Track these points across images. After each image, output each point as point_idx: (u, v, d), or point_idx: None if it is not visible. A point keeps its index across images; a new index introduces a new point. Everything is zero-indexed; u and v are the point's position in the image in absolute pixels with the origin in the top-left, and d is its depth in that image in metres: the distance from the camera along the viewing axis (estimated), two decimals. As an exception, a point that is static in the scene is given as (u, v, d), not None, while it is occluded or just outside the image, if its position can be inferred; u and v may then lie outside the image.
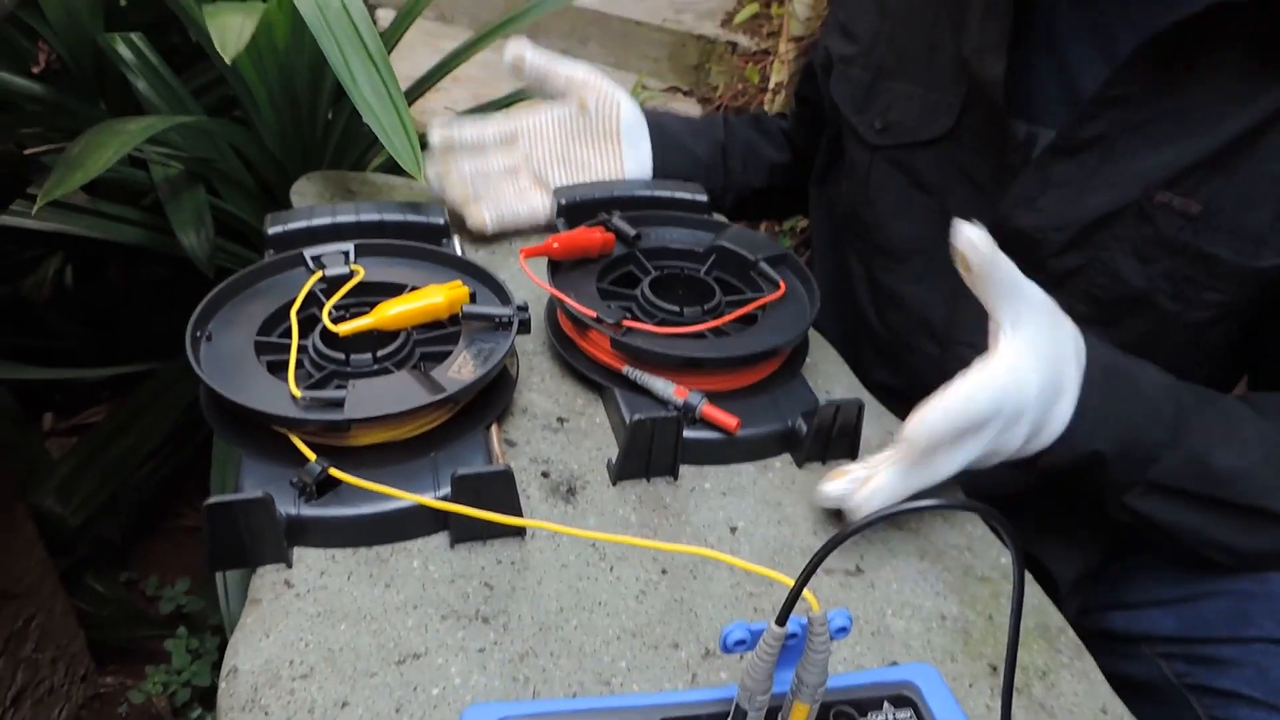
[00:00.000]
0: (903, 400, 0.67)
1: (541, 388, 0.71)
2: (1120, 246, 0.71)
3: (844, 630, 0.43)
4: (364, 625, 0.52)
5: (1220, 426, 0.65)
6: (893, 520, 0.63)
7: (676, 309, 0.72)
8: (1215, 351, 0.75)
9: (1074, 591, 0.82)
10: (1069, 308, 0.74)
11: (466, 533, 0.57)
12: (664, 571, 0.57)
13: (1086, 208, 0.71)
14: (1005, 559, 0.62)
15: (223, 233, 1.18)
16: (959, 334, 0.82)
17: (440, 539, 0.57)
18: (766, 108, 2.10)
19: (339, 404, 0.57)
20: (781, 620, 0.38)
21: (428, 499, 0.55)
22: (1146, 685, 0.71)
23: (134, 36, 1.16)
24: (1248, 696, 0.64)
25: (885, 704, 0.44)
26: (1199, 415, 0.65)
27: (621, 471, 0.63)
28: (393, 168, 1.14)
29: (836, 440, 0.67)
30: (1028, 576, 0.62)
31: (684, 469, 0.64)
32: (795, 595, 0.38)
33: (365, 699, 0.48)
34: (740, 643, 0.40)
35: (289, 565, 0.54)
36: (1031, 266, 0.74)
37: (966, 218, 0.80)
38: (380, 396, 0.58)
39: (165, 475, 1.29)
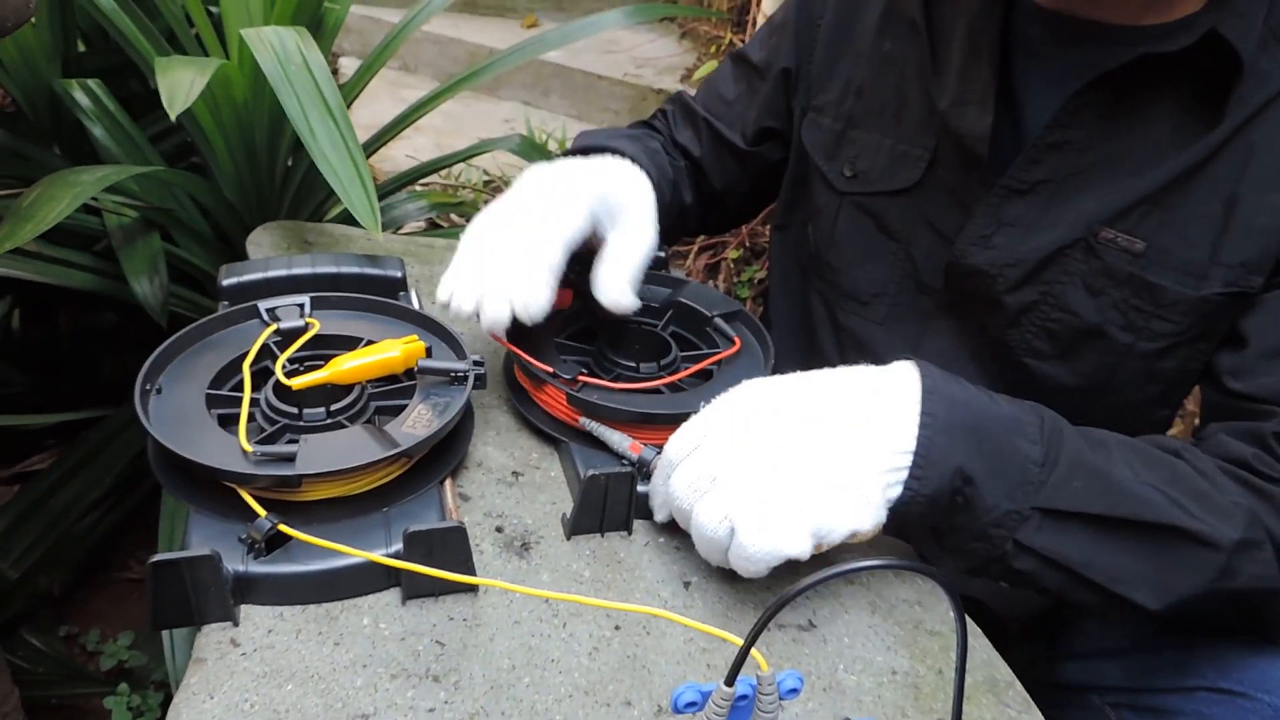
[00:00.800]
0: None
1: (497, 441, 0.71)
2: (1071, 280, 0.74)
3: (795, 691, 0.43)
4: (311, 685, 0.51)
5: (1089, 440, 0.62)
6: (845, 577, 0.64)
7: (633, 364, 0.72)
8: (1168, 383, 0.77)
9: (1024, 637, 0.83)
10: (1027, 345, 0.77)
11: (418, 589, 0.56)
12: (617, 628, 0.57)
13: (1037, 245, 0.74)
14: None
15: (177, 279, 1.17)
16: None
17: (392, 595, 0.57)
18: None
19: (290, 459, 0.57)
20: (730, 681, 0.38)
21: (379, 556, 0.55)
22: None
23: (91, 83, 1.15)
24: None
25: None
26: (1066, 428, 0.62)
27: (576, 527, 0.63)
28: (351, 219, 1.15)
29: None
30: (976, 629, 0.63)
31: (638, 524, 0.65)
32: (743, 655, 0.38)
33: (311, 762, 0.47)
34: (691, 704, 0.40)
35: (235, 624, 0.54)
36: (988, 305, 0.77)
37: (931, 263, 0.83)
38: (332, 451, 0.58)
39: (109, 526, 1.25)
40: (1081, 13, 0.72)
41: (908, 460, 0.57)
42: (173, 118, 0.77)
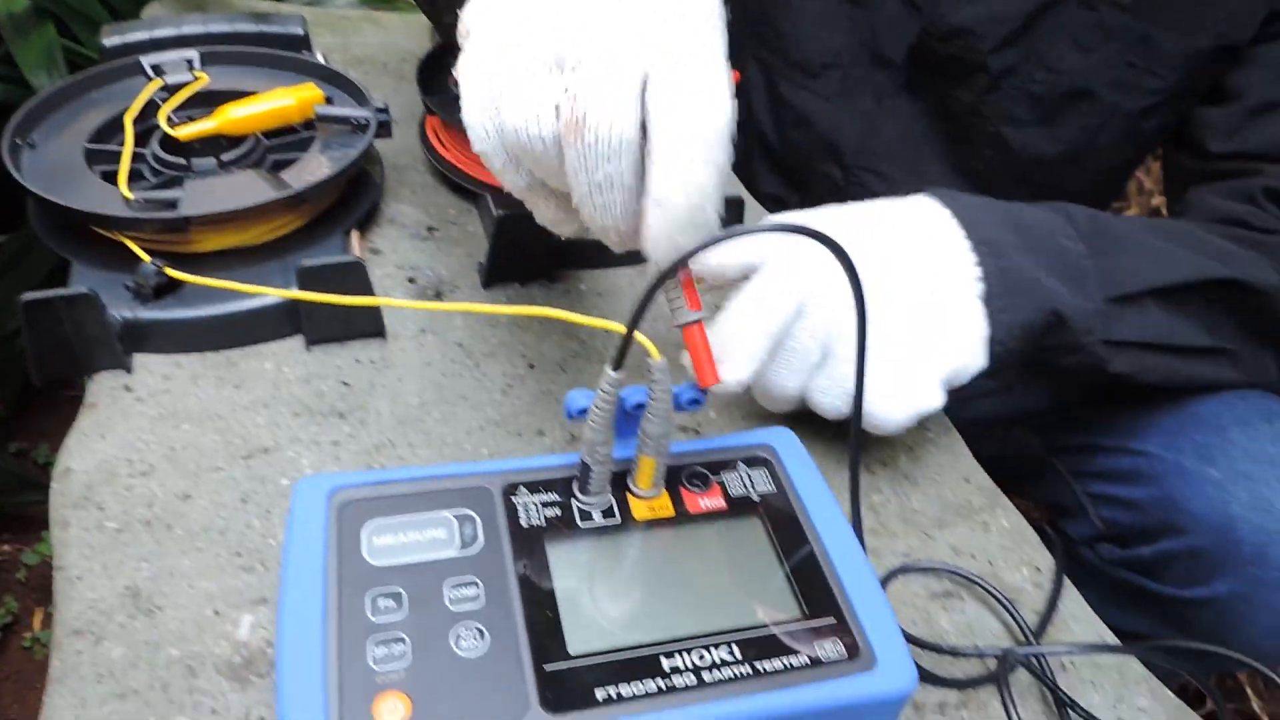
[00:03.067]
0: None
1: (411, 199, 0.67)
2: (1060, 36, 0.69)
3: (696, 402, 0.41)
4: (209, 424, 0.49)
5: (1109, 220, 0.59)
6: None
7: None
8: (1145, 146, 0.74)
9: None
10: (1005, 112, 0.73)
11: (322, 333, 0.54)
12: (532, 366, 0.55)
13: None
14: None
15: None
16: (869, 161, 0.79)
17: (295, 342, 0.55)
18: None
19: (174, 204, 0.53)
20: (616, 364, 0.37)
21: (272, 290, 0.52)
22: (1014, 459, 0.73)
23: None
24: (1109, 447, 0.66)
25: (740, 465, 0.43)
26: (1090, 212, 0.58)
27: (492, 273, 0.60)
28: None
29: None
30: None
31: (562, 274, 0.62)
32: (628, 339, 0.36)
33: (209, 491, 0.46)
34: (584, 410, 0.39)
35: (128, 371, 0.51)
36: (969, 69, 0.72)
37: (893, 33, 0.77)
38: (220, 194, 0.54)
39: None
40: None
41: (982, 292, 0.51)
42: None
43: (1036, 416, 0.76)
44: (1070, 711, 0.42)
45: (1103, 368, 0.56)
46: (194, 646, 0.40)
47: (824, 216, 0.52)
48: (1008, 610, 0.46)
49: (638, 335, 0.37)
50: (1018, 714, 0.39)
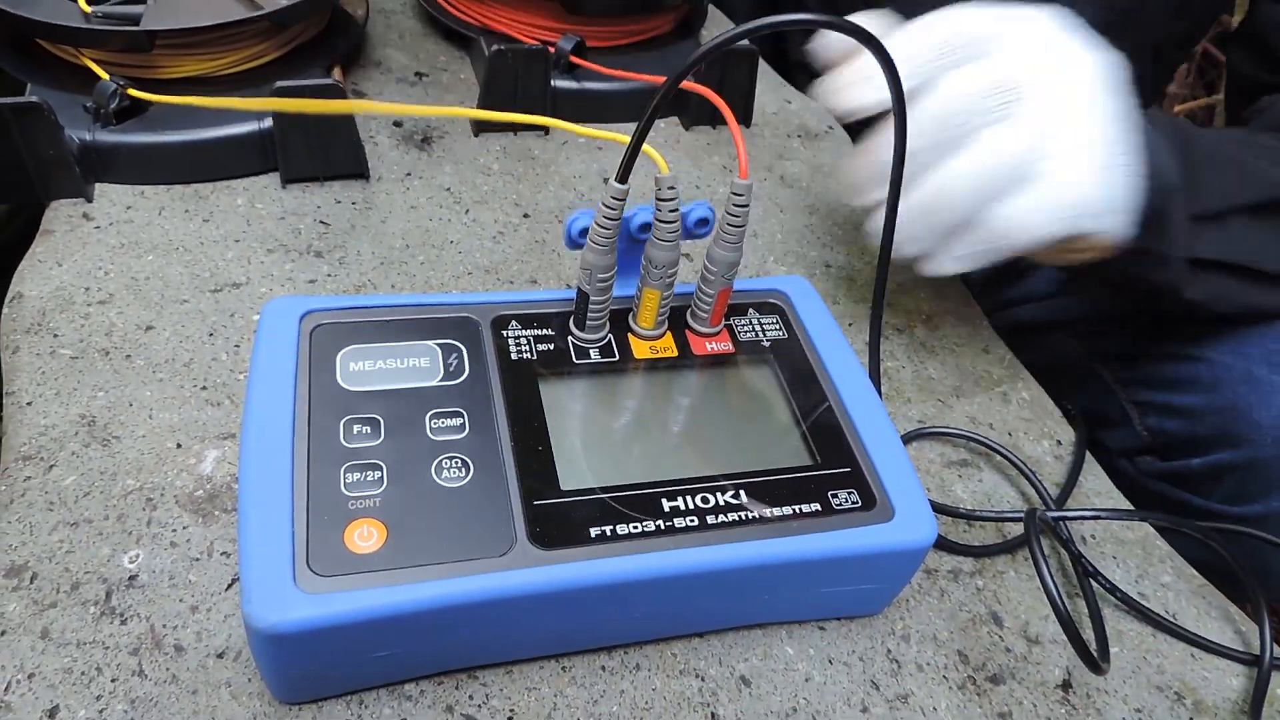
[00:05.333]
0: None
1: (400, 44, 0.62)
2: None
3: (705, 223, 0.38)
4: (175, 256, 0.45)
5: (1196, 130, 0.51)
6: (779, 178, 0.58)
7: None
8: (1194, 20, 0.69)
9: (984, 293, 0.80)
10: None
11: (299, 170, 0.50)
12: (526, 215, 0.52)
13: None
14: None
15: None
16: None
17: (270, 179, 0.50)
18: None
19: (137, 20, 0.49)
20: (622, 177, 0.33)
21: (240, 102, 0.48)
22: (1051, 366, 0.70)
23: None
24: (1163, 353, 0.62)
25: (751, 310, 0.40)
26: (1177, 122, 0.51)
27: (484, 107, 0.56)
28: None
29: (728, 101, 0.60)
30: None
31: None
32: (634, 151, 0.32)
33: (173, 323, 0.42)
34: (585, 230, 0.35)
35: (89, 200, 0.47)
36: None
37: None
38: (187, 11, 0.49)
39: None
40: None
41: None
42: None
43: (1080, 323, 0.71)
44: (1093, 582, 0.39)
45: (1177, 292, 0.49)
46: (153, 478, 0.37)
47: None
48: (1028, 478, 0.43)
49: (646, 148, 0.33)
50: (1050, 572, 0.37)
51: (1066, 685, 0.36)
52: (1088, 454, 0.46)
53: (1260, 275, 0.51)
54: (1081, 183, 0.39)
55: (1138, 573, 0.41)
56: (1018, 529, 0.41)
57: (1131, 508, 0.44)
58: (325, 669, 0.30)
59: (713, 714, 0.33)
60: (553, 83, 0.56)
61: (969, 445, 0.45)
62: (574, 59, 0.56)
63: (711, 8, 0.72)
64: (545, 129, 0.57)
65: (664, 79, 0.31)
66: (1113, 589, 0.39)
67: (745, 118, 0.62)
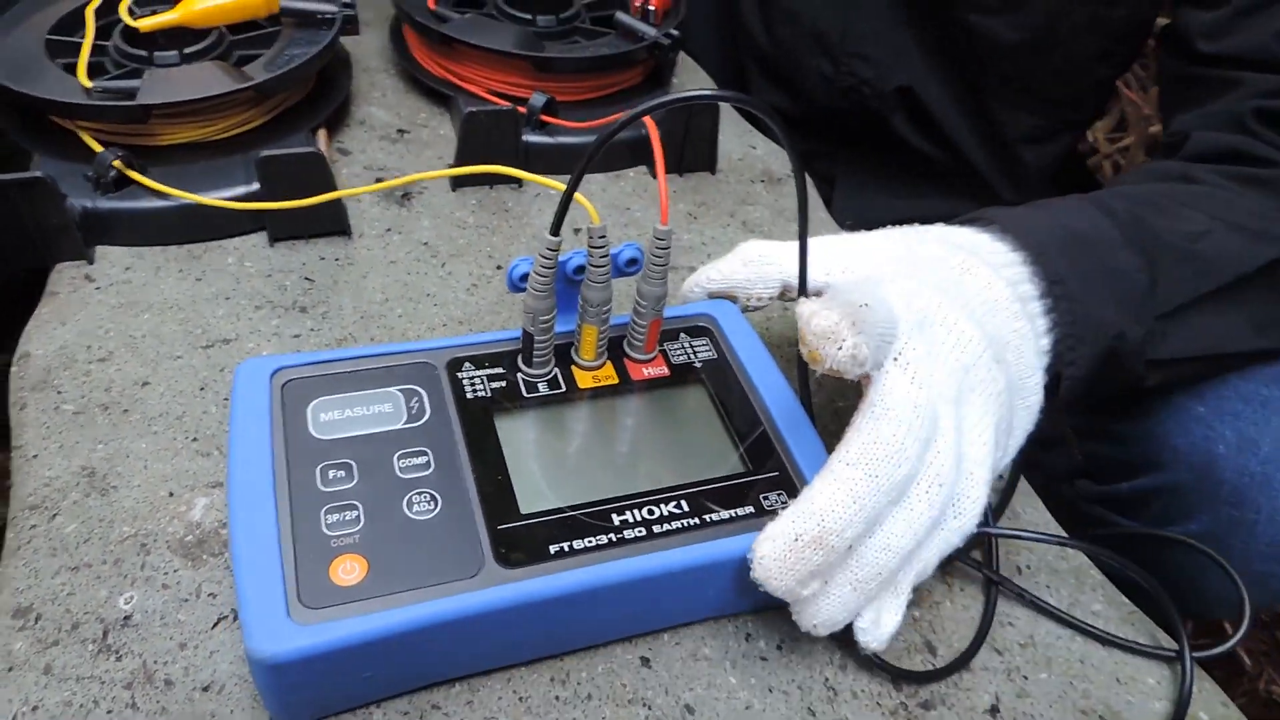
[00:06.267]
0: (792, 124, 0.63)
1: (382, 102, 0.66)
2: None
3: (634, 262, 0.41)
4: (170, 314, 0.49)
5: (1151, 208, 0.52)
6: (741, 223, 0.62)
7: (529, 17, 0.66)
8: (1113, 36, 0.71)
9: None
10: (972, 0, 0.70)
11: (286, 230, 0.54)
12: (499, 267, 0.55)
13: None
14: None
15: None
16: (856, 45, 0.78)
17: (259, 238, 0.54)
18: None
19: (133, 94, 0.52)
20: (554, 229, 0.36)
21: (222, 199, 0.51)
22: None
23: None
24: None
25: (682, 334, 0.43)
26: (1136, 206, 0.51)
27: (460, 164, 0.59)
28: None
29: (693, 148, 0.64)
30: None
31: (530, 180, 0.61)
32: (566, 200, 0.36)
33: (167, 379, 0.46)
34: (525, 276, 0.39)
35: (90, 262, 0.51)
36: None
37: None
38: (180, 84, 0.53)
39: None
40: None
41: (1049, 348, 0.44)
42: None
43: None
44: (1003, 589, 0.42)
45: (1139, 384, 0.50)
46: (147, 525, 0.40)
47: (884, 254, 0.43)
48: None
49: (578, 197, 0.36)
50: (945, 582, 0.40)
51: (994, 710, 0.39)
52: (1021, 478, 0.49)
53: (1222, 357, 0.53)
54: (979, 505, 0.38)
55: (1069, 601, 0.44)
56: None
57: (1063, 534, 0.47)
58: (320, 692, 0.33)
59: (658, 738, 0.36)
60: (525, 138, 0.60)
61: (912, 479, 0.48)
62: (544, 117, 0.60)
63: (683, 55, 0.76)
64: (519, 182, 0.61)
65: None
66: (1023, 592, 0.42)
67: (710, 164, 0.65)
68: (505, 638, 0.35)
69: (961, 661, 0.40)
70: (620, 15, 0.67)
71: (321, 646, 0.31)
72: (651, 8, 0.68)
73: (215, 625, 0.37)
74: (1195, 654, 0.41)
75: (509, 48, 0.61)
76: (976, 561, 0.43)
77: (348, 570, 0.33)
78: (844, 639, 0.40)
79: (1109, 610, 0.44)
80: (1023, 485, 0.49)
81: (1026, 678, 0.40)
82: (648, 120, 0.37)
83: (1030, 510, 0.48)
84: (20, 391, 0.44)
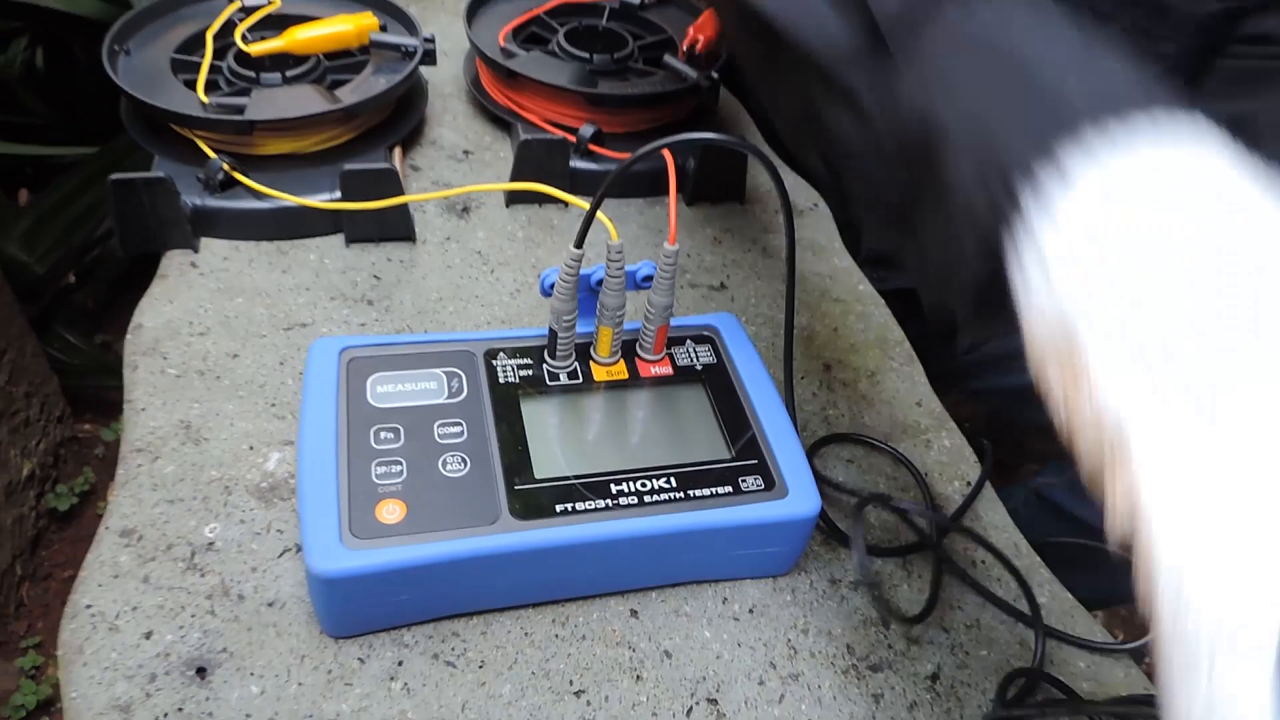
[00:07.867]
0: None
1: (453, 125, 0.74)
2: (1081, 5, 0.70)
3: (649, 278, 0.48)
4: (259, 300, 0.57)
5: None
6: (762, 249, 0.68)
7: (586, 55, 0.74)
8: None
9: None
10: None
11: (360, 233, 0.62)
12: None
13: None
14: (865, 286, 0.67)
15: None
16: None
17: (337, 240, 0.62)
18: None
19: (241, 110, 0.61)
20: (578, 243, 0.43)
21: (312, 201, 0.60)
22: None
23: None
24: None
25: (688, 341, 0.50)
26: None
27: (513, 192, 0.67)
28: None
29: (722, 180, 0.71)
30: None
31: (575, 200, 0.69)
32: (589, 218, 0.43)
33: (253, 353, 0.54)
34: (554, 284, 0.46)
35: (195, 250, 0.60)
36: None
37: None
38: (282, 104, 0.62)
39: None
40: None
41: None
42: None
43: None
44: (949, 572, 0.48)
45: None
46: (230, 471, 0.48)
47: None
48: (921, 486, 0.52)
49: (601, 216, 0.43)
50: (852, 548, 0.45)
51: (935, 677, 0.45)
52: (987, 484, 0.54)
53: None
54: None
55: (1015, 593, 0.50)
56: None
57: (1019, 547, 0.52)
58: (363, 608, 0.41)
59: (638, 676, 0.43)
60: (572, 164, 0.67)
61: (873, 451, 0.54)
62: (592, 146, 0.68)
63: (725, 92, 0.83)
64: (565, 203, 0.68)
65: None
66: (965, 577, 0.48)
67: (738, 195, 0.72)
68: (514, 578, 0.42)
69: (908, 624, 0.46)
70: (668, 58, 0.74)
71: (366, 569, 0.38)
72: (698, 52, 0.76)
73: (281, 555, 0.45)
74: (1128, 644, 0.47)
75: (564, 83, 0.68)
76: (934, 546, 0.49)
77: (390, 511, 0.40)
78: (807, 605, 0.46)
79: (1051, 604, 0.49)
80: (986, 490, 0.55)
81: (968, 653, 0.46)
82: (665, 153, 0.45)
83: (990, 513, 0.54)
84: (133, 355, 0.53)
